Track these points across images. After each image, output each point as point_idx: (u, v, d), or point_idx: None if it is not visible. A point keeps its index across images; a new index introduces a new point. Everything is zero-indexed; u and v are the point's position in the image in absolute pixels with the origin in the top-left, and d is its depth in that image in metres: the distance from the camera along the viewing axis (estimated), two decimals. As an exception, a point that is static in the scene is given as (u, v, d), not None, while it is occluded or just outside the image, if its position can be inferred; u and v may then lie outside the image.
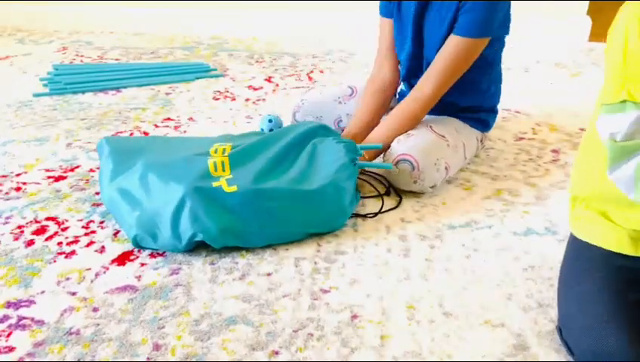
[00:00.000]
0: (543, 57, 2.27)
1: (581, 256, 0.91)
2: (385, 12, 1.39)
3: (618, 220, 0.88)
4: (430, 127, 1.31)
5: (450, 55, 1.24)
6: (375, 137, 1.30)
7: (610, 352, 0.76)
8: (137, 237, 1.06)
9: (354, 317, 0.91)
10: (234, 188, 1.07)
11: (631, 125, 0.76)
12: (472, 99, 1.37)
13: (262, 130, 1.48)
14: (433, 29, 1.28)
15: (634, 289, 0.82)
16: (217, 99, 1.85)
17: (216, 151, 1.19)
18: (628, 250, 0.86)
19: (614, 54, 0.79)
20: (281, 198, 1.08)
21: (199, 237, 1.03)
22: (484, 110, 1.39)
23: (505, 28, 1.27)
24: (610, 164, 0.80)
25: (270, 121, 1.48)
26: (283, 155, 1.19)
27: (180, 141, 1.33)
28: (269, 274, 1.01)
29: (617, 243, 0.87)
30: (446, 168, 1.27)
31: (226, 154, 1.18)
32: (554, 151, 1.50)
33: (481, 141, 1.42)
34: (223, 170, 1.12)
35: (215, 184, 1.07)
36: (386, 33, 1.40)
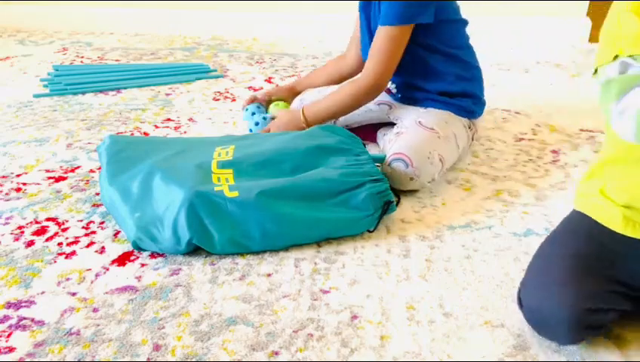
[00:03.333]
0: (543, 58, 2.27)
1: (568, 227, 0.94)
2: (359, 7, 1.46)
3: (614, 196, 0.89)
4: (419, 122, 1.32)
5: (378, 44, 1.31)
6: (310, 111, 1.37)
7: (552, 310, 0.81)
8: (137, 239, 1.05)
9: (354, 317, 0.92)
10: (235, 194, 1.06)
11: (621, 66, 0.79)
12: (437, 85, 1.38)
13: (250, 130, 1.48)
14: (375, 25, 1.35)
15: (604, 266, 0.84)
16: (217, 99, 1.85)
17: (219, 155, 1.18)
18: (617, 226, 0.87)
19: (609, 27, 0.83)
20: (281, 194, 1.08)
21: (196, 242, 1.03)
22: (463, 96, 1.39)
23: (424, 16, 1.30)
24: (618, 95, 0.79)
25: (253, 113, 1.47)
26: (293, 167, 1.16)
27: (183, 143, 1.32)
28: (269, 275, 1.01)
29: (609, 218, 0.88)
30: (440, 160, 1.27)
31: (230, 155, 1.17)
32: (554, 151, 1.50)
33: (469, 128, 1.41)
34: (227, 181, 1.11)
35: (217, 189, 1.07)
36: (358, 25, 1.49)
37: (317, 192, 1.10)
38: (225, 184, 1.09)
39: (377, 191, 1.12)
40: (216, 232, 1.04)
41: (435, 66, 1.37)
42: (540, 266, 0.88)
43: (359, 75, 1.37)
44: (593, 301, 0.81)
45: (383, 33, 1.30)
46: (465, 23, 1.41)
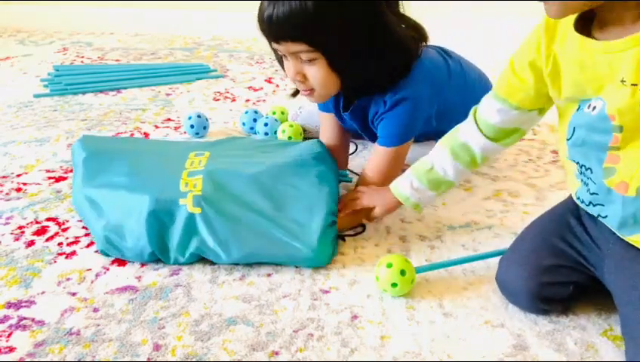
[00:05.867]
0: (543, 58, 2.27)
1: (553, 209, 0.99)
2: (323, 108, 1.31)
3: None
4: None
5: (380, 164, 1.18)
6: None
7: (514, 283, 0.92)
8: (104, 247, 1.04)
9: (354, 317, 0.92)
10: (198, 210, 1.04)
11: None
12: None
13: (256, 132, 1.52)
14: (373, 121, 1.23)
15: (563, 241, 0.91)
16: (217, 100, 1.85)
17: (192, 164, 1.16)
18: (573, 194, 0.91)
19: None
20: (244, 206, 1.06)
21: (157, 253, 1.03)
22: None
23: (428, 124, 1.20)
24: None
25: (255, 120, 1.55)
26: (264, 183, 1.12)
27: (156, 147, 1.31)
28: (269, 275, 1.01)
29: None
30: None
31: (202, 165, 1.16)
32: (554, 151, 1.50)
33: None
34: (194, 187, 1.09)
35: (181, 201, 1.05)
36: (328, 124, 1.32)
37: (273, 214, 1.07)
38: (191, 193, 1.07)
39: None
40: (175, 245, 1.03)
41: (438, 131, 1.21)
42: (513, 245, 0.97)
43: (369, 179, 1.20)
44: (550, 275, 0.89)
45: (382, 153, 1.17)
46: (455, 64, 1.25)
